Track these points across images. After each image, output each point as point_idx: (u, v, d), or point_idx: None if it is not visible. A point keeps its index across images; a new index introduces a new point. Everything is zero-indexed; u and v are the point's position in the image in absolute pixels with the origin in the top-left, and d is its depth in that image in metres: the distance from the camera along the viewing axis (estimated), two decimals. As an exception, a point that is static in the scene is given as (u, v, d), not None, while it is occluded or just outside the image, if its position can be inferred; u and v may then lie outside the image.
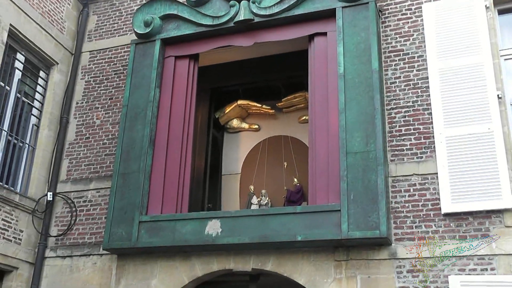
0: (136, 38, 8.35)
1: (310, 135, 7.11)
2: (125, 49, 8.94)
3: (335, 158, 6.70)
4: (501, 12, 7.06)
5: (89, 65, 9.17)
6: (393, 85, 7.12)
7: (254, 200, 9.33)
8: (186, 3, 8.20)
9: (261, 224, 6.70)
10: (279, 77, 9.58)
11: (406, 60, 7.18)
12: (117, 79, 8.84)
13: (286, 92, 9.84)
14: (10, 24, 8.00)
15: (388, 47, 7.33)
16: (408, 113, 6.93)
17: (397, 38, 7.32)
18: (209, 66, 8.98)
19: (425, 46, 7.10)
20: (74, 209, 8.13)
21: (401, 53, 7.24)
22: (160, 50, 8.10)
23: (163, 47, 8.18)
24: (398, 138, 6.86)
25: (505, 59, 6.80)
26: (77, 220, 8.06)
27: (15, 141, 8.21)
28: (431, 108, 6.78)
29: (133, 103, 7.92)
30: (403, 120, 6.92)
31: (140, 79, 8.04)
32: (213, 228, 6.89)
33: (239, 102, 10.05)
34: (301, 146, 9.54)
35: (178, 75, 8.08)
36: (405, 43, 7.26)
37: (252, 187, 9.56)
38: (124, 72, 8.74)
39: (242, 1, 7.81)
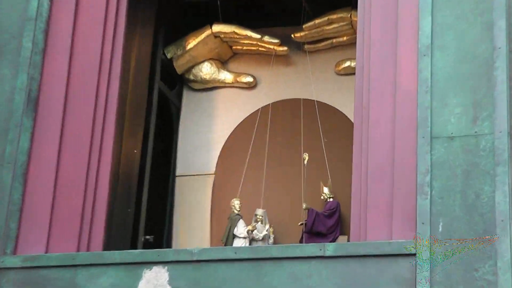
0: None
1: (359, 100, 7.26)
2: None
3: (409, 148, 6.83)
4: None
5: None
6: (534, 1, 7.13)
7: (241, 227, 9.47)
8: None
9: (253, 276, 6.85)
10: (298, -21, 9.68)
11: None
12: (-40, -27, 8.87)
13: (312, 11, 10.01)
14: None
15: None
16: None
17: None
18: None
19: None
20: None
21: None
22: None
23: None
24: (542, 110, 6.86)
25: None
26: None
27: None
28: None
29: (-5, 24, 8.00)
30: (555, 74, 6.91)
31: (10, -26, 8.12)
32: (154, 283, 6.97)
33: (216, 28, 10.24)
34: (338, 120, 9.79)
35: (89, -31, 8.22)
36: None
37: (237, 201, 9.68)
38: (-23, -42, 8.78)
39: None
